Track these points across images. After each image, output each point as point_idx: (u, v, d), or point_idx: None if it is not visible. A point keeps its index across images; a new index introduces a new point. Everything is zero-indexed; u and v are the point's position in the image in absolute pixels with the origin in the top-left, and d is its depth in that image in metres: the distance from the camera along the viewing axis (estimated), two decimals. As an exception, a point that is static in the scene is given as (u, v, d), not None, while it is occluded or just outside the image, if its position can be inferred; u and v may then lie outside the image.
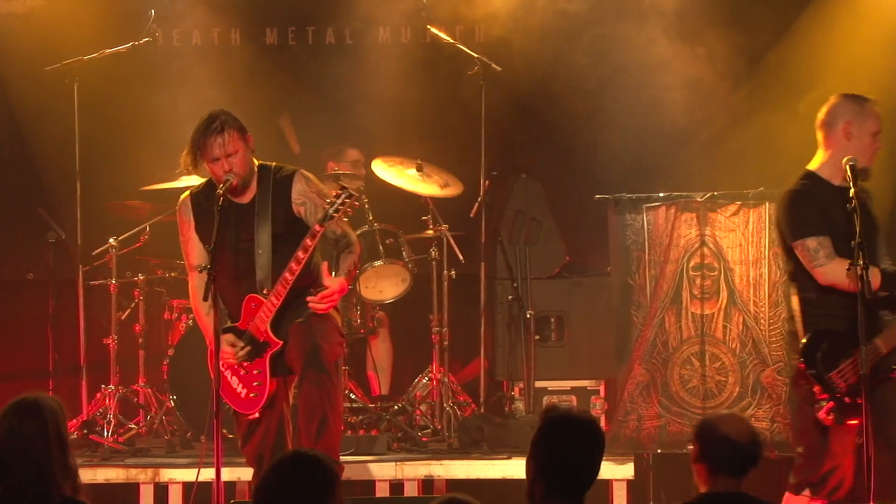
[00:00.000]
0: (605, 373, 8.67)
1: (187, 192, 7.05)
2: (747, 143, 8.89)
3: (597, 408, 8.64)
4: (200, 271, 6.63)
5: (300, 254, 6.60)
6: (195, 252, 6.93)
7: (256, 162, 6.90)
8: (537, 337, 8.75)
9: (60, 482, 4.89)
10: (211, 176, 6.85)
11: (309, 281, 6.84)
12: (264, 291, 6.74)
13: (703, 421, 5.02)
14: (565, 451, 4.42)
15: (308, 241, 6.60)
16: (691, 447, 4.92)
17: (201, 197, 6.94)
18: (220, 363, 6.72)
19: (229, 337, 6.72)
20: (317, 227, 6.56)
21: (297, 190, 6.83)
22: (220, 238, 6.58)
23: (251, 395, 6.79)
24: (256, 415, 6.78)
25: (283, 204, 6.82)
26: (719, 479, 4.80)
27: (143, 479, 7.74)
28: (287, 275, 6.64)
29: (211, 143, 6.70)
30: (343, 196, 6.51)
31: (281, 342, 6.73)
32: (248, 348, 6.73)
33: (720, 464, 4.80)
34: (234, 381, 6.83)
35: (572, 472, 4.43)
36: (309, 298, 6.71)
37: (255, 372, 6.77)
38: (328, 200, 6.55)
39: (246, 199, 6.87)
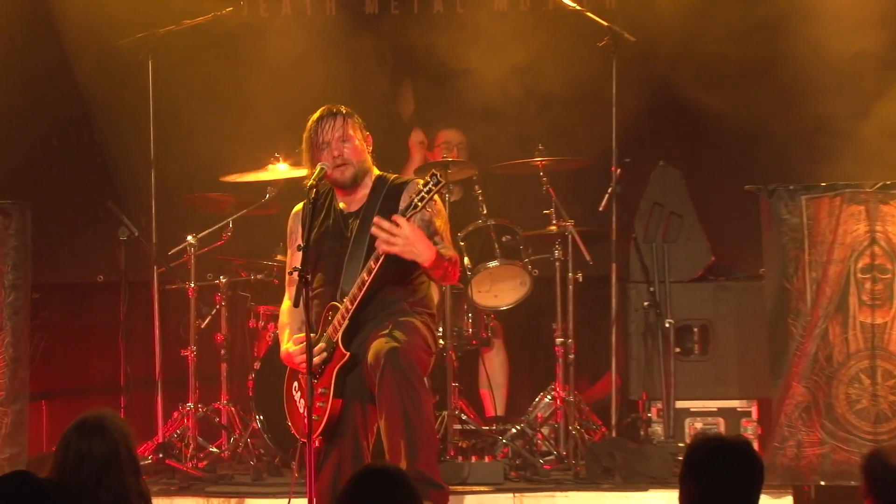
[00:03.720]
0: (757, 392, 8.47)
1: (302, 203, 6.99)
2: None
3: (748, 432, 8.44)
4: (290, 273, 6.76)
5: (371, 264, 6.52)
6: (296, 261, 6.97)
7: (376, 172, 6.88)
8: (678, 349, 8.58)
9: None
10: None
11: (402, 294, 6.73)
12: (344, 300, 6.70)
13: (872, 451, 5.04)
14: (721, 481, 4.42)
15: (371, 264, 6.52)
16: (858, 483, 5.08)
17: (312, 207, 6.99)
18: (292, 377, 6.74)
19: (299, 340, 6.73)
20: (381, 250, 6.42)
21: (405, 197, 6.71)
22: (318, 244, 6.67)
23: (313, 417, 6.66)
24: (316, 443, 6.58)
25: (388, 215, 6.60)
26: None
27: (226, 509, 7.74)
28: (364, 274, 6.55)
29: (324, 125, 6.76)
30: (431, 183, 6.31)
31: (348, 353, 6.59)
32: (323, 355, 6.64)
33: (891, 499, 4.78)
34: (300, 400, 6.76)
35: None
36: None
37: (319, 391, 6.66)
38: (416, 189, 6.42)
39: (353, 207, 6.85)
